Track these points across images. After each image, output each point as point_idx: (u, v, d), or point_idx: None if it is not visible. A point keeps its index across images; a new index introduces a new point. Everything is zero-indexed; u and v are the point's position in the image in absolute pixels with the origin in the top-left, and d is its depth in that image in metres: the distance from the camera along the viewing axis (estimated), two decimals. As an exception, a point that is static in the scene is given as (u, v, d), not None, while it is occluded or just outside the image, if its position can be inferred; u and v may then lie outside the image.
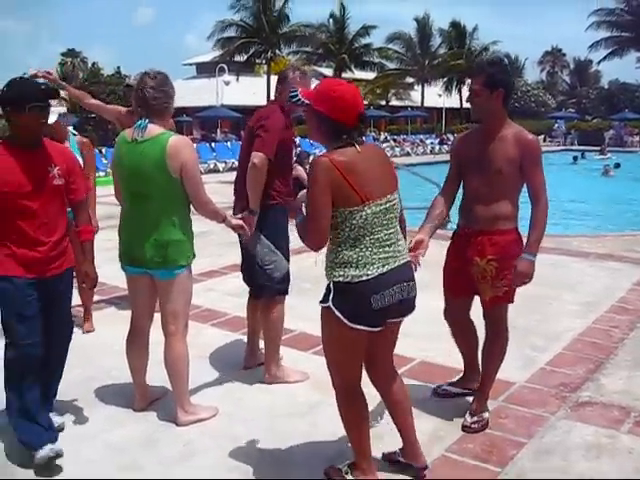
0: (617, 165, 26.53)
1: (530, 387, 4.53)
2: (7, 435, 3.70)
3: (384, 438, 3.63)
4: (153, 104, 3.77)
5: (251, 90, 44.46)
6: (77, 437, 3.78)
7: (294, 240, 4.94)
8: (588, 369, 4.82)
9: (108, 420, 4.06)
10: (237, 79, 41.69)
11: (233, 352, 5.14)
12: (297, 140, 29.49)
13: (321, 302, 3.08)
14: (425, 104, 51.46)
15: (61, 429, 3.82)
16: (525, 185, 3.87)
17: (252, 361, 4.89)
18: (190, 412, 4.02)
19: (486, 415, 3.97)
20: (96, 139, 27.12)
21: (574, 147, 38.77)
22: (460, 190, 4.10)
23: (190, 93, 43.57)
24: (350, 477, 3.31)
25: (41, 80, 4.85)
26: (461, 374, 4.44)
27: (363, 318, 3.00)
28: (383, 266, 3.01)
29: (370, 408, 3.32)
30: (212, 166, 24.19)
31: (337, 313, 3.00)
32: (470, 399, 4.14)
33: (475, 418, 3.93)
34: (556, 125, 46.09)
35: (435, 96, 49.98)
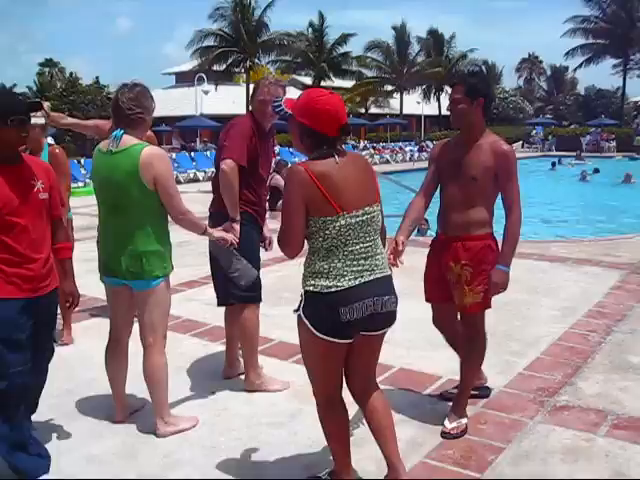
0: (596, 170, 26.83)
1: (509, 392, 4.56)
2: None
3: (364, 445, 3.64)
4: (128, 114, 3.78)
5: (230, 99, 44.51)
6: (57, 450, 3.74)
7: (275, 249, 4.98)
8: (566, 373, 4.87)
9: (88, 433, 4.03)
10: (216, 88, 41.76)
11: (213, 362, 5.13)
12: (277, 149, 29.53)
13: (294, 310, 3.08)
14: (404, 112, 51.81)
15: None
16: (500, 195, 3.94)
17: (231, 371, 4.88)
18: (170, 423, 4.01)
19: (464, 421, 4.00)
20: (74, 150, 27.03)
21: (552, 153, 39.19)
22: (439, 198, 4.14)
23: (169, 103, 43.54)
24: (329, 485, 3.32)
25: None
26: (443, 380, 4.47)
27: (331, 329, 2.97)
28: (355, 279, 2.97)
29: (350, 413, 3.33)
30: (192, 175, 24.16)
31: (306, 322, 3.00)
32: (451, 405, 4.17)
33: (454, 424, 3.95)
34: (534, 131, 46.53)
35: (414, 104, 50.34)
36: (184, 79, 50.91)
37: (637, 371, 4.93)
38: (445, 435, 3.92)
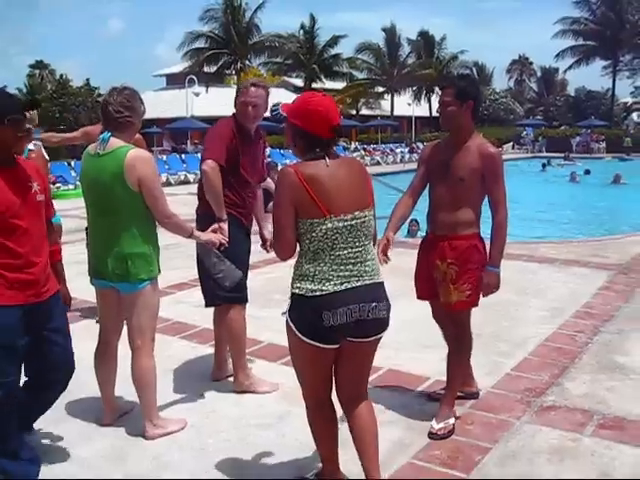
0: (587, 172, 26.96)
1: (496, 393, 4.59)
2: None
3: (348, 447, 3.64)
4: (116, 117, 3.79)
5: (221, 101, 44.34)
6: (45, 453, 3.75)
7: (265, 251, 5.01)
8: (553, 374, 4.90)
9: (76, 435, 4.03)
10: (207, 90, 41.67)
11: (202, 364, 5.13)
12: (267, 151, 29.53)
13: (282, 313, 3.08)
14: (395, 113, 51.92)
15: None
16: (487, 197, 4.01)
17: (220, 373, 4.90)
18: (159, 425, 4.01)
19: (452, 421, 4.03)
20: (65, 152, 26.95)
21: (542, 154, 39.33)
22: (428, 199, 4.22)
23: (160, 104, 43.40)
24: (316, 486, 3.34)
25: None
26: (431, 381, 4.50)
27: (315, 333, 2.95)
28: (341, 284, 2.94)
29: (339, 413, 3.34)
30: (182, 177, 24.13)
31: (292, 326, 3.00)
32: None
33: (441, 424, 3.98)
34: (524, 132, 46.70)
35: (405, 105, 50.37)
36: (175, 81, 50.81)
37: (623, 371, 4.98)
38: (432, 436, 3.94)
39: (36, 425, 3.90)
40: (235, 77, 46.21)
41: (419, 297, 4.31)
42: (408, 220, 5.27)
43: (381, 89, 53.23)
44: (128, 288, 3.84)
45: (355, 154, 32.95)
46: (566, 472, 3.58)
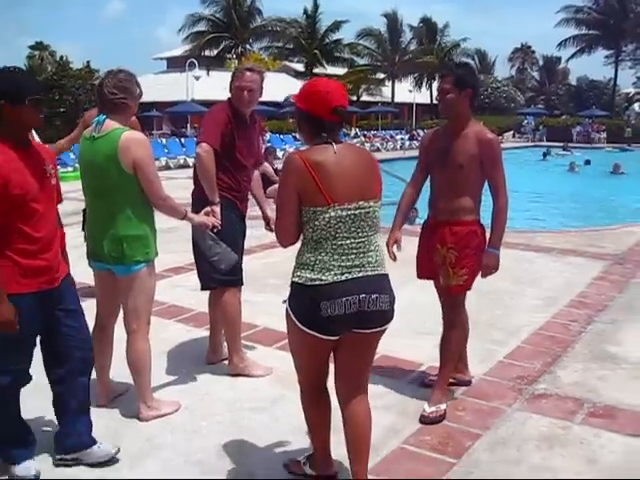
0: (587, 162, 26.90)
1: (488, 380, 4.63)
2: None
3: (339, 431, 3.69)
4: (111, 99, 3.80)
5: (222, 85, 44.01)
6: (40, 434, 3.75)
7: (263, 236, 5.03)
8: (545, 362, 4.94)
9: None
10: (208, 74, 41.58)
11: (197, 348, 5.17)
12: (267, 136, 29.44)
13: (283, 301, 3.07)
14: (396, 100, 51.77)
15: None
16: (487, 182, 4.10)
17: (215, 356, 4.94)
18: (153, 407, 4.05)
19: (443, 406, 4.07)
20: (65, 135, 26.84)
21: (543, 143, 39.23)
22: (430, 185, 4.33)
23: (160, 88, 43.31)
24: (308, 469, 3.38)
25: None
26: (424, 367, 4.54)
27: (313, 323, 2.92)
28: (342, 274, 2.90)
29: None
30: (182, 161, 24.07)
31: (291, 313, 3.00)
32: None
33: (433, 408, 4.03)
34: (525, 121, 46.60)
35: (406, 92, 50.23)
36: (175, 64, 50.59)
37: (615, 361, 5.02)
38: (423, 419, 3.99)
39: (30, 405, 3.93)
40: (236, 61, 46.05)
41: (419, 276, 4.41)
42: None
43: (382, 75, 53.07)
44: (124, 270, 3.86)
45: (355, 140, 32.85)
46: (554, 459, 3.62)
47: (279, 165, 13.98)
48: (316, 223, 2.92)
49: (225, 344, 4.86)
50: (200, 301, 5.34)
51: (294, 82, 48.50)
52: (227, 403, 4.28)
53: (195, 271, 4.85)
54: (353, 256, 2.93)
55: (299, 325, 2.96)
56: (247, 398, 4.35)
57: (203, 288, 4.80)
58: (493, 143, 4.07)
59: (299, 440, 3.72)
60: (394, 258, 4.10)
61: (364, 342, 3.08)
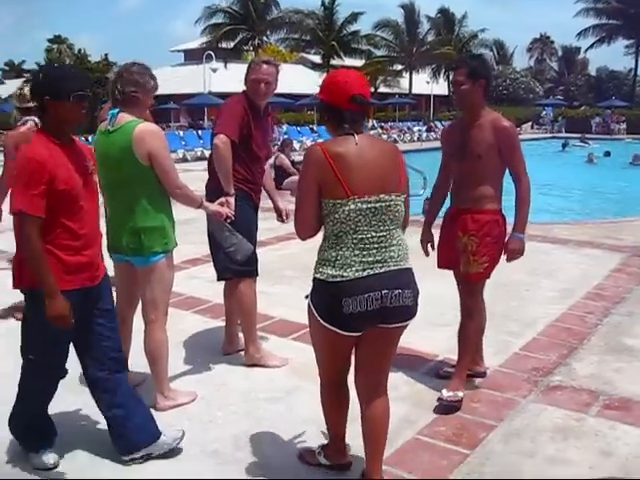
0: (607, 153, 26.62)
1: (503, 372, 4.63)
2: None
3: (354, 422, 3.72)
4: (123, 92, 3.83)
5: (239, 77, 44.04)
6: (58, 424, 3.81)
7: (278, 228, 5.06)
8: (561, 354, 4.94)
9: (88, 406, 4.10)
10: (225, 66, 41.62)
11: (213, 339, 5.21)
12: (284, 128, 29.44)
13: (305, 296, 3.05)
14: (413, 91, 51.53)
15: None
16: (508, 169, 4.16)
17: (231, 347, 4.98)
18: (169, 397, 4.10)
19: (461, 394, 4.10)
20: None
21: (561, 134, 38.88)
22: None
23: (178, 80, 43.43)
24: (322, 459, 3.41)
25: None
26: (439, 358, 4.56)
27: (335, 320, 2.90)
28: (364, 270, 2.87)
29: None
30: (199, 153, 24.16)
31: (313, 310, 2.99)
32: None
33: (450, 393, 4.07)
34: (544, 112, 46.22)
35: (423, 83, 49.97)
36: (193, 56, 50.72)
37: (632, 353, 5.00)
38: (440, 401, 4.04)
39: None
40: (253, 53, 46.01)
41: (439, 266, 4.45)
42: (424, 198, 5.39)
43: (399, 67, 52.85)
44: (142, 261, 3.89)
45: (372, 132, 32.78)
46: (568, 451, 3.63)
47: (296, 157, 13.72)
48: (336, 216, 2.89)
49: (241, 335, 4.90)
50: (217, 292, 5.37)
51: (311, 74, 48.46)
52: (243, 393, 4.32)
53: (212, 263, 4.88)
54: (374, 251, 2.91)
55: (321, 321, 2.95)
56: (263, 389, 4.39)
57: (219, 279, 4.84)
58: (509, 130, 4.12)
59: (314, 430, 3.74)
60: (428, 254, 4.41)
61: (386, 337, 3.06)
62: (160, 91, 4.13)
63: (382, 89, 52.98)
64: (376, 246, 2.91)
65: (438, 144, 4.75)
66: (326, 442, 3.45)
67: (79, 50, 41.13)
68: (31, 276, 3.14)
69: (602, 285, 6.77)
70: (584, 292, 6.49)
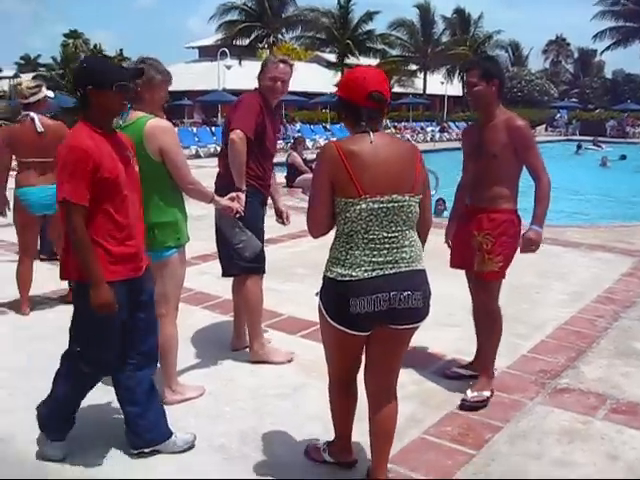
0: (623, 157, 26.46)
1: (511, 373, 4.63)
2: None
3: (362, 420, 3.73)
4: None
5: (253, 75, 44.13)
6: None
7: (290, 225, 5.07)
8: (569, 357, 4.93)
9: (98, 399, 4.14)
10: (240, 63, 41.61)
11: (222, 334, 5.24)
12: (297, 126, 29.41)
13: (316, 294, 3.05)
14: (427, 91, 51.45)
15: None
16: (525, 168, 4.17)
17: (239, 343, 5.00)
18: (177, 392, 4.13)
19: (486, 393, 4.13)
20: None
21: (575, 137, 38.70)
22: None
23: (192, 77, 43.52)
24: (327, 456, 3.43)
25: None
26: (447, 358, 4.56)
27: (343, 319, 2.90)
28: (373, 270, 2.85)
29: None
30: (212, 150, 24.23)
31: (322, 308, 2.99)
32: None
33: (475, 393, 4.10)
34: (558, 115, 46.01)
35: (438, 83, 49.88)
36: (207, 53, 50.79)
37: (641, 357, 4.98)
38: (463, 401, 4.08)
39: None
40: (267, 51, 46.04)
41: (452, 265, 4.47)
42: (436, 199, 5.39)
43: (414, 67, 52.77)
44: (155, 256, 3.89)
45: (385, 132, 32.73)
46: (575, 453, 3.62)
47: (308, 155, 13.75)
48: (347, 215, 2.88)
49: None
50: (226, 288, 5.40)
51: (325, 72, 48.45)
52: (250, 389, 4.34)
53: (220, 259, 4.90)
54: (385, 251, 2.88)
55: (329, 320, 2.95)
56: (270, 385, 4.41)
57: (224, 274, 4.86)
58: (523, 129, 4.12)
59: (320, 427, 3.76)
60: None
61: (396, 338, 3.04)
62: (174, 87, 4.15)
63: (396, 89, 52.79)
64: (387, 247, 2.89)
65: (451, 145, 4.80)
66: (332, 439, 3.46)
67: (95, 45, 41.13)
68: (78, 268, 3.15)
69: (613, 289, 6.74)
70: (594, 295, 6.47)
